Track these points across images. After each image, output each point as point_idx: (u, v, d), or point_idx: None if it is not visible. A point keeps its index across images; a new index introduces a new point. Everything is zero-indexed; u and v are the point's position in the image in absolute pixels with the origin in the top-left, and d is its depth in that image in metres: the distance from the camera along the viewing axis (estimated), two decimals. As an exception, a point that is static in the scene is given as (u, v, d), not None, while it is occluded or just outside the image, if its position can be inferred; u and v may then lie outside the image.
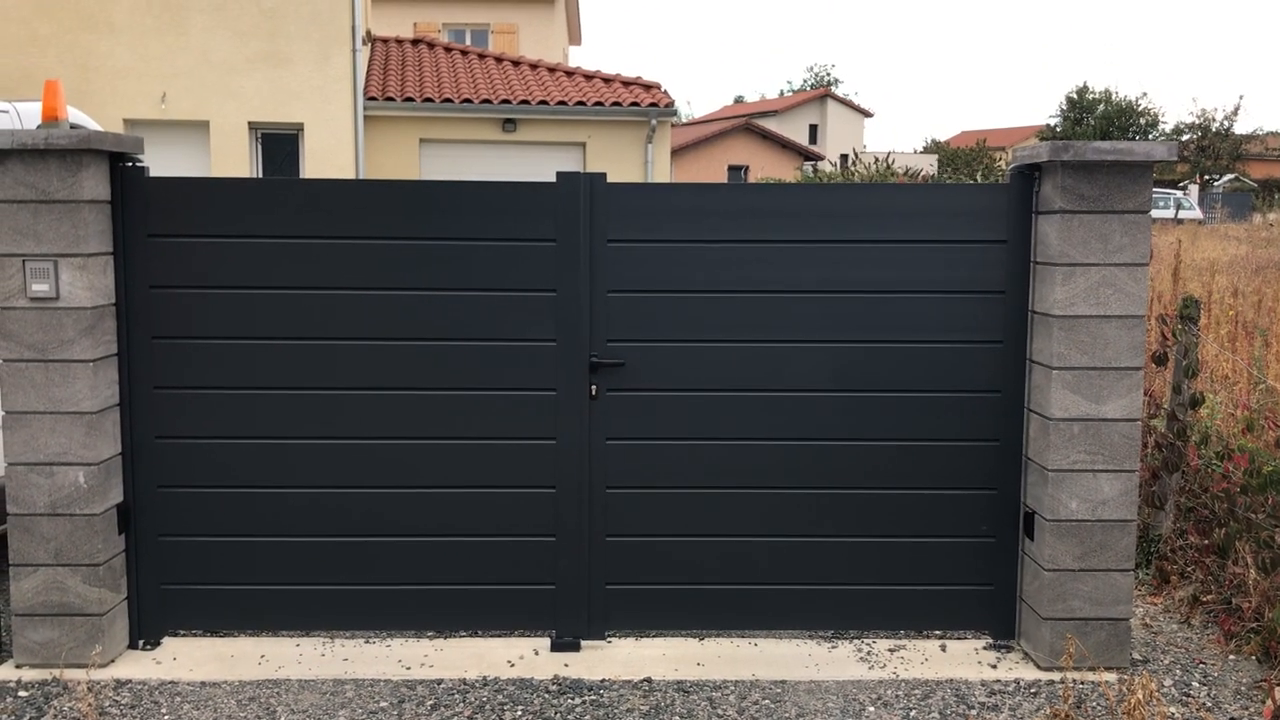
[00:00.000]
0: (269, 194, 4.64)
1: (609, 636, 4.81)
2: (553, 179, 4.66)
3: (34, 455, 4.35)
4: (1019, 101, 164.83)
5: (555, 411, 4.69)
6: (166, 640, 4.72)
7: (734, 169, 43.47)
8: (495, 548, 4.75)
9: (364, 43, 18.91)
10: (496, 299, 4.65)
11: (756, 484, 4.75)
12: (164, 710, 4.12)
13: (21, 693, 4.24)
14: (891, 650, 4.72)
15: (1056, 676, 4.45)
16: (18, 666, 4.44)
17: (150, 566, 4.66)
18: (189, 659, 4.55)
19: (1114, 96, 56.29)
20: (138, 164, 4.55)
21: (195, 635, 4.78)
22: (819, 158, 44.77)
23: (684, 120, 59.16)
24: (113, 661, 4.52)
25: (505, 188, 4.65)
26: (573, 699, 4.25)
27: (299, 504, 4.70)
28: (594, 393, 4.70)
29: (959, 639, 4.84)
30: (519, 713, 4.13)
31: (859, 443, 4.74)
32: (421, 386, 4.67)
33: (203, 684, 4.34)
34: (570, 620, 4.76)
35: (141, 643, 4.67)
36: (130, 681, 4.35)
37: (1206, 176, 52.00)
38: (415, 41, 22.91)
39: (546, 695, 4.27)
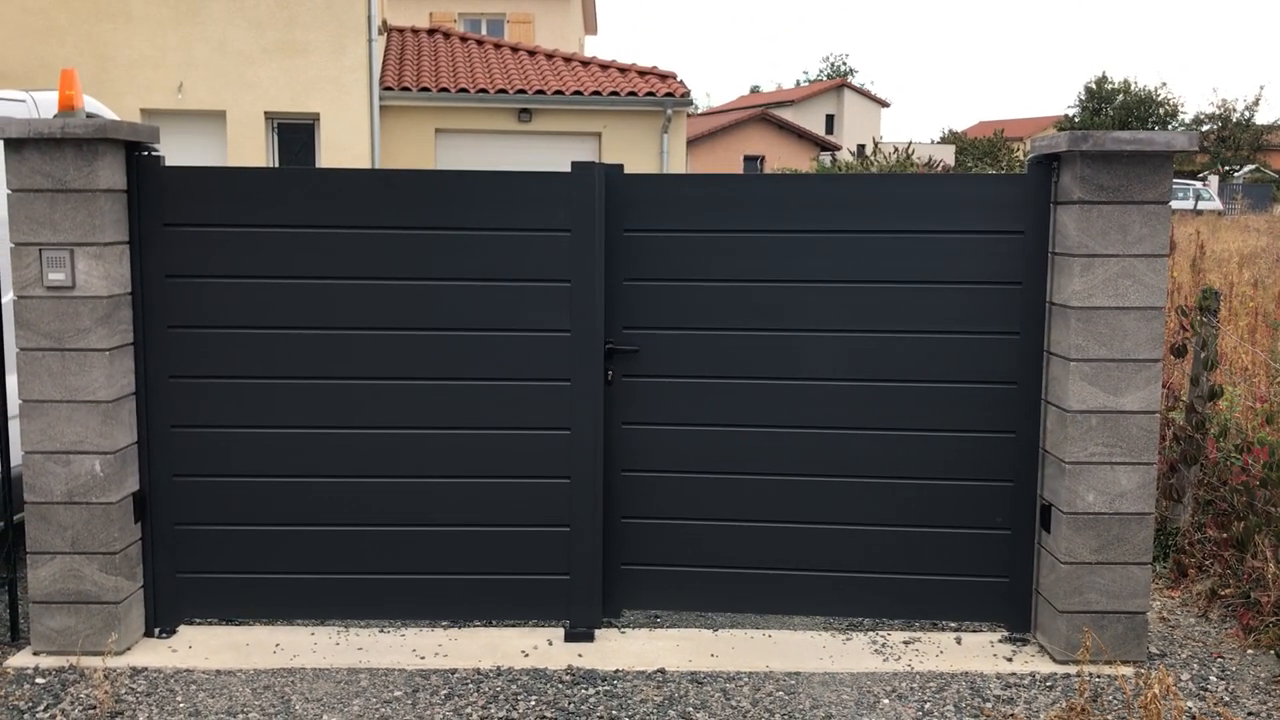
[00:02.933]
0: (286, 184, 4.64)
1: (623, 627, 4.81)
2: (567, 169, 4.66)
3: (51, 443, 4.37)
4: (1037, 92, 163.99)
5: (570, 400, 4.69)
6: (182, 628, 4.74)
7: (750, 159, 43.35)
8: (510, 537, 4.75)
9: (380, 32, 18.93)
10: (511, 289, 4.65)
11: (770, 470, 4.76)
12: (179, 698, 4.14)
13: (39, 679, 4.27)
14: (906, 643, 4.70)
15: (1073, 670, 4.42)
16: (35, 654, 4.47)
17: (166, 555, 4.68)
18: (204, 647, 4.57)
19: (1133, 86, 55.85)
20: (154, 153, 4.56)
21: (211, 624, 4.79)
22: (835, 148, 44.62)
23: (700, 110, 59.00)
24: (129, 649, 4.54)
25: (520, 178, 4.65)
26: (586, 689, 4.25)
27: (314, 493, 4.70)
28: (610, 378, 4.73)
29: (974, 631, 4.82)
30: (533, 703, 4.13)
31: (874, 432, 4.73)
32: (438, 376, 4.67)
33: (218, 672, 4.36)
34: (585, 604, 4.76)
35: (157, 631, 4.69)
36: (146, 669, 4.37)
37: (1226, 167, 51.60)
38: (431, 31, 22.91)
39: (560, 685, 4.27)
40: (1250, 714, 4.12)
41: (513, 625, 4.82)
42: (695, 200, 4.70)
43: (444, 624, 4.82)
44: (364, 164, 18.28)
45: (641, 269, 4.71)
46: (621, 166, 4.71)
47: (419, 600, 4.77)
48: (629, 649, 4.60)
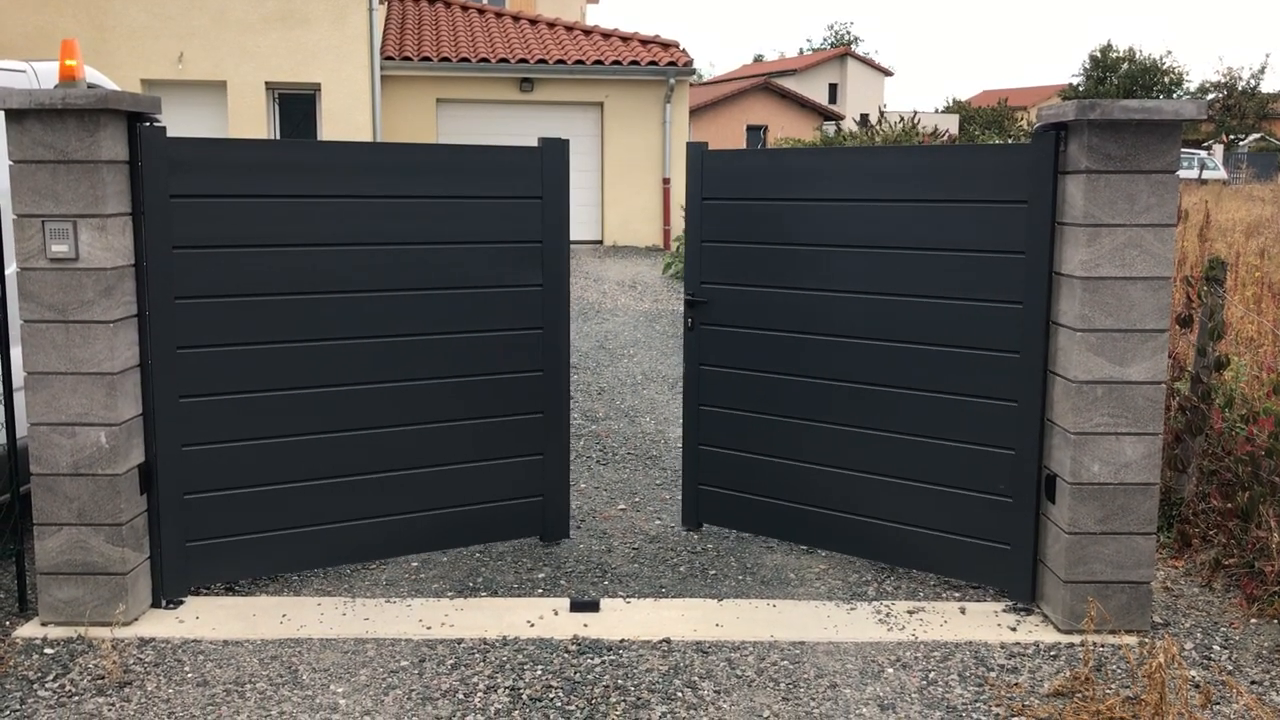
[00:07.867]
0: (291, 154, 4.73)
1: (629, 597, 4.84)
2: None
3: (56, 415, 4.37)
4: (1041, 60, 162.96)
5: (542, 345, 5.23)
6: (189, 599, 4.76)
7: (753, 129, 43.10)
8: (493, 469, 5.23)
9: (380, 1, 18.78)
10: (492, 250, 5.10)
11: (810, 417, 5.23)
12: (187, 668, 4.16)
13: (48, 650, 4.29)
14: (910, 612, 4.72)
15: (1076, 639, 4.44)
16: (43, 624, 4.49)
17: (173, 525, 4.69)
18: (211, 617, 4.59)
19: (1138, 55, 55.43)
20: (156, 124, 4.53)
21: (217, 594, 4.82)
22: (839, 117, 44.33)
23: (702, 80, 58.64)
24: (136, 620, 4.56)
25: (499, 151, 5.12)
26: (592, 659, 4.27)
27: (322, 449, 4.89)
28: (690, 325, 5.47)
29: (978, 601, 4.84)
30: (539, 672, 4.15)
31: (885, 389, 5.03)
32: (433, 332, 5.03)
33: (225, 642, 4.38)
34: (555, 521, 5.43)
35: (164, 601, 4.70)
36: (154, 640, 4.39)
37: (1231, 136, 51.31)
38: (432, 0, 22.73)
39: (566, 655, 4.29)
40: (1254, 683, 4.13)
41: (519, 595, 4.85)
42: (753, 171, 5.24)
43: (449, 594, 4.84)
44: (365, 134, 18.19)
45: (714, 232, 5.39)
46: (705, 144, 5.40)
47: (424, 534, 5.16)
48: (634, 619, 4.62)
